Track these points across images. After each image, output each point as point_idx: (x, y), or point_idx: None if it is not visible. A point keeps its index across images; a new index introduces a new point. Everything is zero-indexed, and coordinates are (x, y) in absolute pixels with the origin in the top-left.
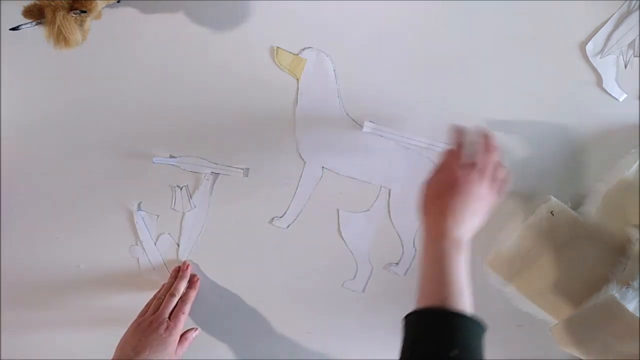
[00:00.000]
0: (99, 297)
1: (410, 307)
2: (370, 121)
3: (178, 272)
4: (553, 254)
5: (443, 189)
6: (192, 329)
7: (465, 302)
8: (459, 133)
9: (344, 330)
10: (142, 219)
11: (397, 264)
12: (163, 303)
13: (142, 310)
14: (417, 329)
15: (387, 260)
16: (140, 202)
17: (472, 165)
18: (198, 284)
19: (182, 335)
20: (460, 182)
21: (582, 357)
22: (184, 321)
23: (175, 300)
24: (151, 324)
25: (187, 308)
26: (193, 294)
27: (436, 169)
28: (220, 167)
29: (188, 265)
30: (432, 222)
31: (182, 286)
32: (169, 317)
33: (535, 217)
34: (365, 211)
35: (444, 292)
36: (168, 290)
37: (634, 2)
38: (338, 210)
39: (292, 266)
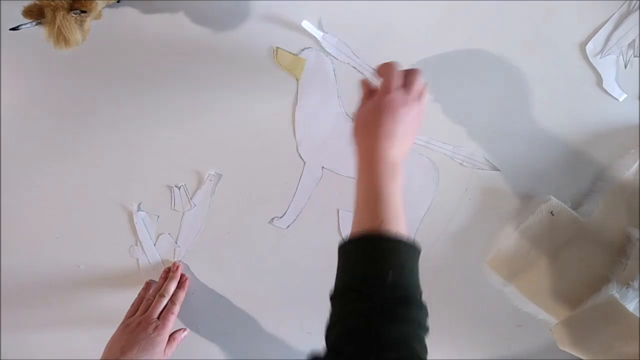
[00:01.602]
0: (99, 296)
1: None
2: None
3: (168, 273)
4: (553, 254)
5: (373, 113)
6: (180, 329)
7: (400, 225)
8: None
9: None
10: (142, 219)
11: None
12: (152, 304)
13: (128, 311)
14: (354, 255)
15: None
16: (140, 203)
17: (401, 86)
18: (187, 284)
19: (170, 336)
20: (391, 105)
21: (582, 357)
22: (173, 321)
23: (164, 301)
24: (140, 324)
25: (177, 309)
26: (182, 295)
27: (370, 93)
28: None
29: (178, 266)
30: (366, 146)
31: (172, 287)
32: (158, 317)
33: (535, 217)
34: None
35: (380, 217)
36: (157, 291)
37: (634, 2)
38: (338, 210)
39: (292, 266)
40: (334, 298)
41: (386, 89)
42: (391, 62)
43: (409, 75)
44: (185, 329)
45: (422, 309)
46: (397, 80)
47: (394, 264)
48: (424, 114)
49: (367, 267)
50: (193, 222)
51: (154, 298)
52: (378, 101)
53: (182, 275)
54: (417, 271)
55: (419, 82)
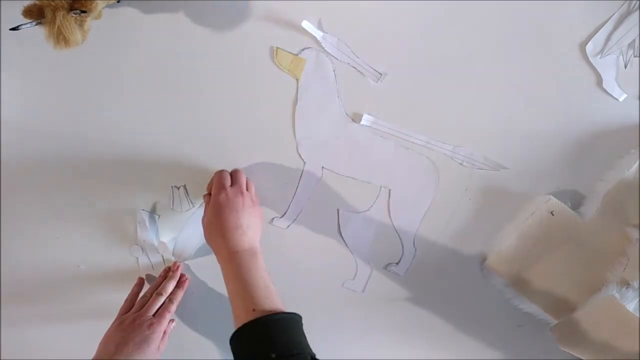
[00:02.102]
0: (99, 296)
1: (410, 307)
2: (368, 114)
3: (168, 272)
4: (553, 254)
5: (216, 213)
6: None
7: (273, 300)
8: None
9: (344, 331)
10: (145, 218)
11: (397, 264)
12: (149, 302)
13: (122, 307)
14: (241, 347)
15: (387, 260)
16: (143, 202)
17: (231, 186)
18: (186, 284)
19: None
20: (226, 201)
21: (582, 357)
22: (168, 319)
23: (162, 299)
24: (134, 321)
25: (174, 308)
26: (180, 294)
27: (211, 198)
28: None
29: (179, 266)
30: (219, 245)
31: (171, 286)
32: (154, 315)
33: (535, 217)
34: (365, 211)
35: (253, 303)
36: (155, 289)
37: (634, 2)
38: (338, 210)
39: (292, 266)
40: None
41: (218, 189)
42: (217, 171)
43: (233, 175)
44: (172, 320)
45: None
46: (226, 180)
47: (275, 346)
48: (257, 203)
49: (253, 355)
50: (195, 222)
51: (151, 296)
52: (215, 201)
53: (181, 275)
54: (299, 339)
55: (243, 178)
